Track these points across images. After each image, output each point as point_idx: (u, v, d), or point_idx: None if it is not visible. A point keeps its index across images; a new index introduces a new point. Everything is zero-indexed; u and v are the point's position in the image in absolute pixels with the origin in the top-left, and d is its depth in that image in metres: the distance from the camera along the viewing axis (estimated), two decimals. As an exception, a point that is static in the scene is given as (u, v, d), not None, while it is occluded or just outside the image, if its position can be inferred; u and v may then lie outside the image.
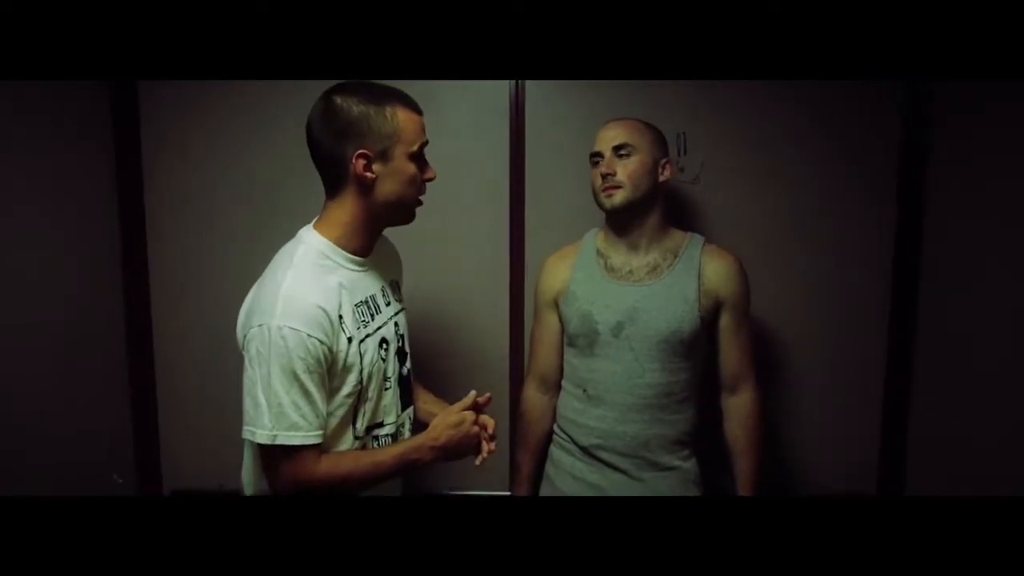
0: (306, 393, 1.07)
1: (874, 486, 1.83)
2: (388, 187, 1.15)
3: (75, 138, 1.69)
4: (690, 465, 1.50)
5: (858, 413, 1.82)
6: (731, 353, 1.49)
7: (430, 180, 1.22)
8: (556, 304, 1.55)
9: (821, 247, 1.77)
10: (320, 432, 1.11)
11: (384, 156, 1.13)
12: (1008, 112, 1.45)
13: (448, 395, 1.88)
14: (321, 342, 1.08)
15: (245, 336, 1.11)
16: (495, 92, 1.78)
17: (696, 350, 1.47)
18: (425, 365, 1.88)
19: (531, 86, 1.77)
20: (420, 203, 1.23)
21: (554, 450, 1.59)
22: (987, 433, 1.51)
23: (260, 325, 1.07)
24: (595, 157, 1.48)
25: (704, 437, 1.54)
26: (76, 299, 1.70)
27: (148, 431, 1.91)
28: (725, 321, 1.48)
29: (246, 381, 1.10)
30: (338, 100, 1.12)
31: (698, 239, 1.51)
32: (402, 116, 1.15)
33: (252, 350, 1.08)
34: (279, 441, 1.07)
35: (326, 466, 1.13)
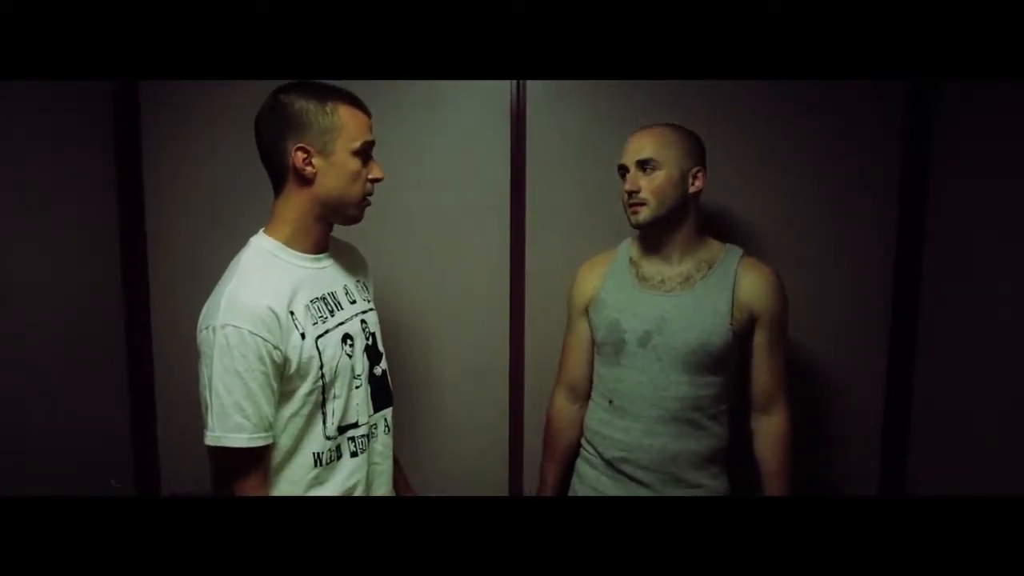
0: (250, 393, 1.06)
1: (875, 488, 1.82)
2: (330, 182, 1.16)
3: (76, 138, 1.70)
4: (718, 484, 1.45)
5: (859, 414, 1.81)
6: (763, 372, 1.43)
7: (377, 180, 1.21)
8: (587, 312, 1.52)
9: (822, 248, 1.77)
10: (266, 434, 1.10)
11: (324, 151, 1.14)
12: (1014, 112, 1.44)
13: (447, 400, 1.89)
14: (264, 339, 1.07)
15: (198, 344, 1.10)
16: (496, 94, 1.78)
17: (727, 365, 1.42)
18: (424, 371, 1.88)
19: (532, 88, 1.77)
20: (367, 202, 1.22)
21: (580, 463, 1.57)
22: (989, 433, 1.50)
23: (207, 328, 1.08)
24: (621, 170, 1.44)
25: (737, 457, 1.50)
26: (75, 301, 1.69)
27: (147, 435, 1.91)
28: (759, 338, 1.42)
29: (199, 387, 1.10)
30: (281, 96, 1.15)
31: (736, 251, 1.46)
32: (344, 112, 1.15)
33: (201, 354, 1.09)
34: (223, 443, 1.07)
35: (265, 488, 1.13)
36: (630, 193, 1.40)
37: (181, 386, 1.87)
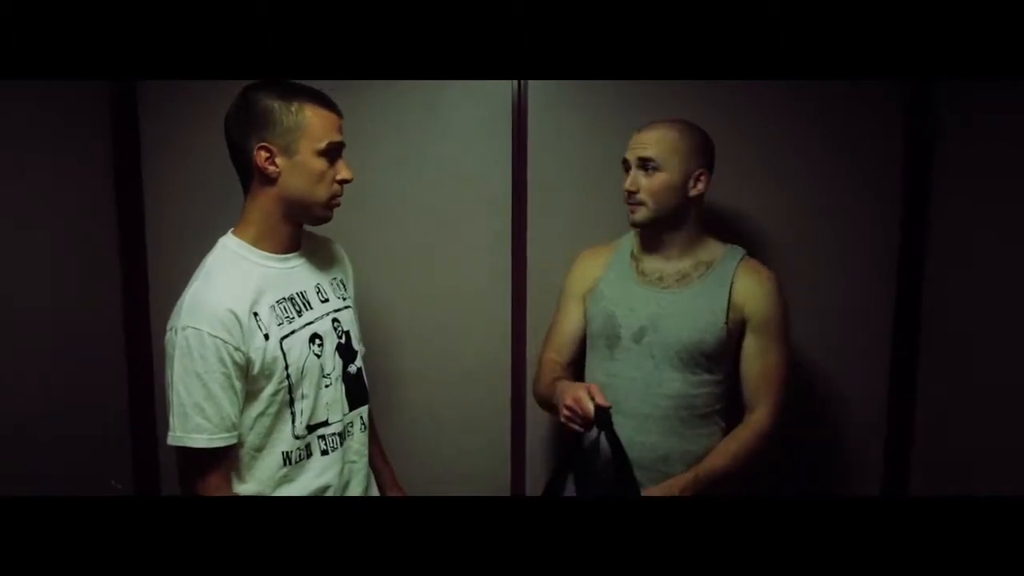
0: (210, 394, 1.07)
1: (878, 488, 1.82)
2: (293, 182, 1.15)
3: (74, 138, 1.69)
4: None
5: (863, 415, 1.81)
6: (750, 375, 1.40)
7: (345, 181, 1.20)
8: (583, 300, 1.51)
9: (825, 248, 1.76)
10: (228, 435, 1.10)
11: (287, 151, 1.13)
12: (1016, 112, 1.44)
13: (449, 401, 1.89)
14: (225, 341, 1.07)
15: (164, 344, 1.11)
16: (498, 96, 1.77)
17: (721, 365, 1.41)
18: (426, 372, 1.87)
19: (534, 90, 1.77)
20: (336, 203, 1.21)
21: None
22: (992, 433, 1.50)
23: (170, 329, 1.09)
24: (625, 164, 1.42)
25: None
26: (74, 300, 1.69)
27: (146, 435, 1.90)
28: (749, 341, 1.40)
29: (165, 386, 1.11)
30: (248, 94, 1.14)
31: (737, 252, 1.45)
32: (309, 112, 1.13)
33: (165, 354, 1.10)
34: (184, 443, 1.08)
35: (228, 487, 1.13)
36: (629, 193, 1.39)
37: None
